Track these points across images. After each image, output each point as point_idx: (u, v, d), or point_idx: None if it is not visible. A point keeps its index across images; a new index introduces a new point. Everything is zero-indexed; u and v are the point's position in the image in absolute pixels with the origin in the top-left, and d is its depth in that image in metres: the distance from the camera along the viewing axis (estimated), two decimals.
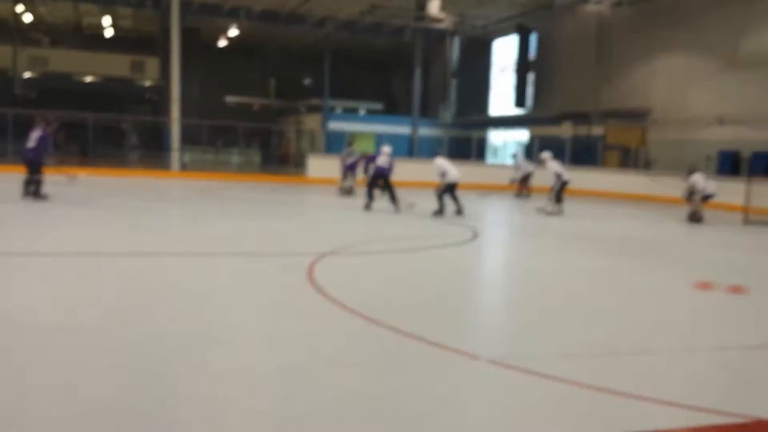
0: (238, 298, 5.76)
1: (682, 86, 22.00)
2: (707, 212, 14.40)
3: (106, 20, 34.00)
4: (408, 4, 25.02)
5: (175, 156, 22.56)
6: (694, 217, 13.97)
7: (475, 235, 10.50)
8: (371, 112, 37.89)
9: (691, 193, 14.05)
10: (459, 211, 12.93)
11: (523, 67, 29.59)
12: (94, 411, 3.16)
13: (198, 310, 5.22)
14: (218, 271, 6.93)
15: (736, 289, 6.86)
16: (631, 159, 23.39)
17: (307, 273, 6.64)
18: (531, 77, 29.56)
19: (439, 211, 12.77)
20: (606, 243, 10.84)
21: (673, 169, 19.45)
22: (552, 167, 14.48)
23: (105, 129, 24.08)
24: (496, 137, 32.98)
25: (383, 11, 28.16)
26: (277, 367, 3.97)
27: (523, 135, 30.14)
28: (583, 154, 24.27)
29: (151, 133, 28.47)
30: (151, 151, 24.55)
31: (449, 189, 12.97)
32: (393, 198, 13.49)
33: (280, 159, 31.20)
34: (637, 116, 23.51)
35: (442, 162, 13.26)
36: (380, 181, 13.66)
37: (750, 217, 13.99)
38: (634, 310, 6.03)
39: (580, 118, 25.42)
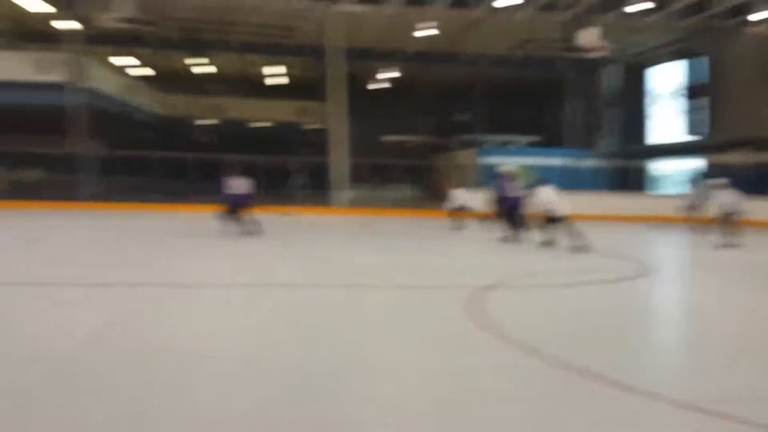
0: (397, 330, 5.87)
1: None
2: None
3: (274, 70, 36.72)
4: (558, 36, 24.70)
5: (337, 193, 23.69)
6: None
7: (640, 270, 10.00)
8: (525, 145, 37.45)
9: None
10: (548, 243, 12.61)
11: (687, 92, 27.95)
12: None
13: (357, 341, 5.39)
14: (377, 303, 7.13)
15: None
16: None
17: (466, 306, 6.67)
18: (701, 102, 27.80)
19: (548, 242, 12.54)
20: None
21: None
22: (716, 197, 13.65)
23: (272, 170, 25.79)
24: (658, 167, 31.21)
25: (534, 44, 27.99)
26: (434, 400, 3.97)
27: (693, 163, 28.31)
28: (763, 182, 22.28)
29: (315, 172, 30.16)
30: (314, 189, 25.96)
31: (553, 222, 12.58)
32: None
33: (434, 194, 31.62)
34: None
35: (545, 192, 12.76)
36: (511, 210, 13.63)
37: None
38: None
39: (762, 143, 23.44)
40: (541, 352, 4.98)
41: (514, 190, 13.69)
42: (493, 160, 32.40)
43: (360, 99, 37.17)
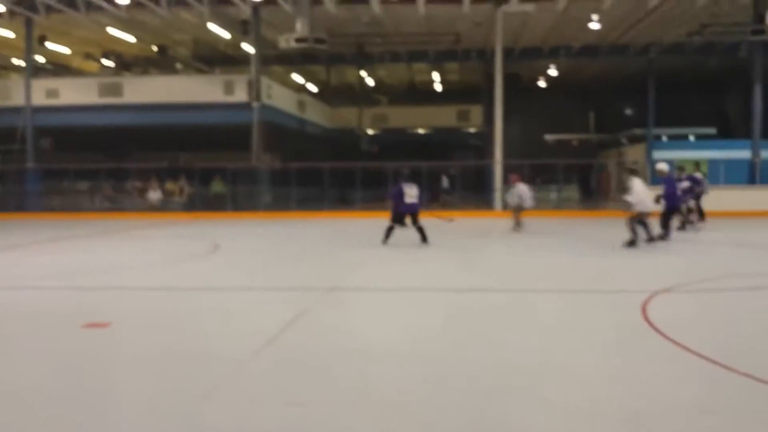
0: (572, 335, 5.87)
1: None
2: None
3: (435, 76, 37.45)
4: (742, 18, 22.69)
5: (498, 196, 23.68)
6: None
7: None
8: (702, 138, 34.85)
9: None
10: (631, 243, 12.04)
11: None
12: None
13: (532, 345, 5.48)
14: (547, 308, 7.17)
15: None
16: None
17: (642, 311, 6.54)
18: None
19: (632, 242, 11.97)
20: None
21: None
22: None
23: (434, 175, 26.34)
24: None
25: (715, 29, 26.00)
26: (618, 408, 3.99)
27: None
28: None
29: (475, 175, 30.35)
30: (476, 193, 26.12)
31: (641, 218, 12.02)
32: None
33: (600, 194, 30.47)
34: None
35: (637, 186, 12.14)
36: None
37: None
38: None
39: None
40: (722, 360, 4.82)
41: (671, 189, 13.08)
42: (666, 154, 30.61)
43: (524, 99, 36.82)
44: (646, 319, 6.25)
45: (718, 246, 12.78)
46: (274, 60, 29.35)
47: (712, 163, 25.83)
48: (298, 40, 20.71)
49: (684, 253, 11.86)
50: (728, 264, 10.54)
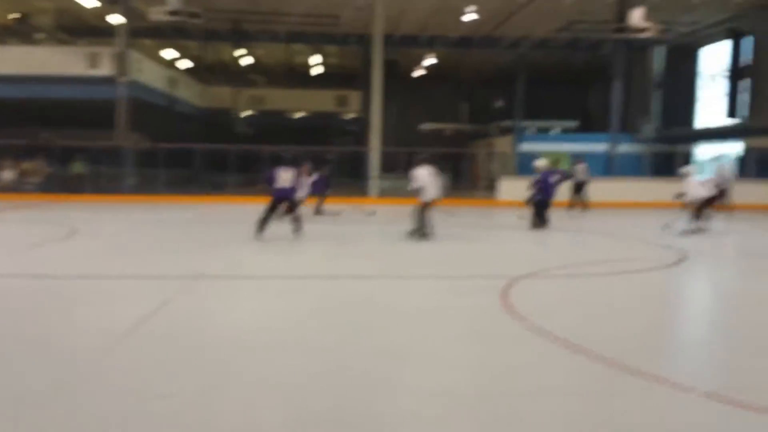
0: (435, 321, 6.01)
1: None
2: None
3: (315, 59, 37.00)
4: (607, 16, 24.16)
5: (374, 183, 23.82)
6: None
7: (680, 258, 9.89)
8: (565, 131, 36.97)
9: None
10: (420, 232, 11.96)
11: (735, 73, 27.11)
12: (314, 419, 3.60)
13: (398, 331, 5.56)
14: (415, 294, 7.29)
15: None
16: None
17: (502, 296, 6.75)
18: (745, 84, 26.98)
19: (417, 231, 11.91)
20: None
21: None
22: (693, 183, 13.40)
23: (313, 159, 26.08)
24: (704, 151, 30.46)
25: (581, 26, 27.51)
26: (477, 390, 4.12)
27: (736, 147, 27.59)
28: None
29: (352, 162, 30.37)
30: (352, 179, 26.10)
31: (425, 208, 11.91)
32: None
33: (471, 182, 31.54)
34: None
35: (420, 174, 11.81)
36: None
37: None
38: None
39: None
40: (575, 344, 5.07)
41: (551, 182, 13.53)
42: (532, 146, 32.18)
43: (401, 87, 37.27)
44: (507, 303, 6.48)
45: (583, 234, 13.51)
46: (144, 33, 27.72)
47: (578, 155, 27.42)
48: (170, 13, 19.67)
49: (552, 241, 12.45)
50: (587, 251, 11.15)
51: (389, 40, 28.45)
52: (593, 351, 4.87)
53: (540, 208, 13.68)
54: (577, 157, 20.14)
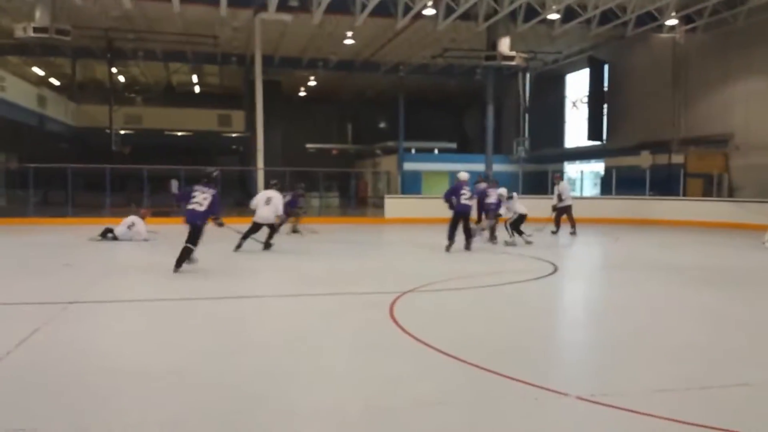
0: (322, 337, 5.96)
1: (763, 109, 21.41)
2: None
3: (195, 78, 36.31)
4: (479, 45, 25.56)
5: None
6: None
7: (555, 269, 10.62)
8: (445, 152, 38.46)
9: None
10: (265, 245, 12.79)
11: (596, 99, 29.48)
12: None
13: (284, 349, 5.51)
14: (301, 311, 7.28)
15: None
16: (714, 186, 22.77)
17: (390, 311, 6.91)
18: (605, 109, 29.42)
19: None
20: (693, 273, 10.74)
21: (761, 195, 18.88)
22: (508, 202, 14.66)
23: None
24: (572, 170, 32.81)
25: (454, 53, 28.85)
26: (365, 407, 4.12)
27: (599, 167, 29.96)
28: (663, 184, 23.86)
29: (239, 181, 30.03)
30: (238, 198, 25.75)
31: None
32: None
33: (358, 201, 32.05)
34: (718, 142, 22.95)
35: (258, 197, 12.97)
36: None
37: None
38: (727, 342, 6.01)
39: (658, 147, 25.05)
40: (459, 354, 5.19)
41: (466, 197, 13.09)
42: (414, 166, 33.27)
43: (285, 107, 37.36)
44: (394, 317, 6.62)
45: (459, 251, 14.09)
46: (10, 50, 26.16)
47: (453, 174, 28.60)
48: (37, 30, 18.73)
49: (435, 256, 12.88)
50: (469, 266, 11.65)
51: (270, 61, 28.55)
52: (476, 361, 5.01)
53: (453, 222, 13.13)
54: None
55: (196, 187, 9.97)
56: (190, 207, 9.74)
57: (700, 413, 3.99)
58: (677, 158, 24.44)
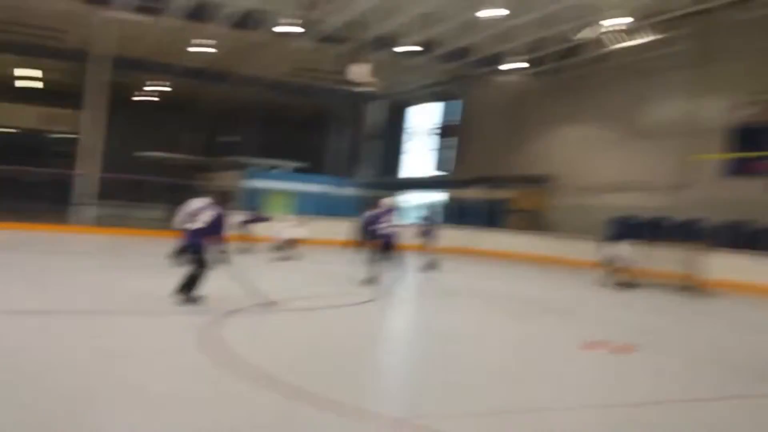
0: (132, 359, 5.68)
1: (583, 153, 23.47)
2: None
3: (29, 72, 33.27)
4: (336, 67, 25.84)
5: (85, 210, 21.98)
6: (627, 284, 14.18)
7: (377, 295, 10.67)
8: (294, 171, 38.24)
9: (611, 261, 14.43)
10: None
11: (444, 131, 30.85)
12: None
13: (86, 371, 5.16)
14: (116, 331, 6.84)
15: (626, 348, 7.31)
16: (535, 222, 24.40)
17: (207, 333, 6.66)
18: (452, 142, 30.83)
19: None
20: (507, 303, 11.35)
21: (575, 232, 20.55)
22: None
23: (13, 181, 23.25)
24: (413, 198, 33.84)
25: (310, 74, 28.93)
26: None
27: (441, 196, 31.22)
28: (493, 217, 25.26)
29: (63, 186, 27.71)
30: (62, 205, 23.76)
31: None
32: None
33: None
34: (542, 182, 24.82)
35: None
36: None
37: (643, 279, 14.78)
38: (531, 369, 6.39)
39: (492, 182, 26.58)
40: (273, 380, 5.10)
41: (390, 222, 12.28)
42: (258, 183, 32.68)
43: (128, 111, 35.28)
44: (207, 340, 6.39)
45: (295, 270, 13.91)
46: None
47: (301, 194, 28.53)
48: None
49: (259, 277, 12.56)
50: (293, 288, 11.45)
51: (114, 61, 26.93)
52: (290, 383, 5.00)
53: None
54: None
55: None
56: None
57: None
58: (506, 194, 26.01)
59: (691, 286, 14.01)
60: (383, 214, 12.22)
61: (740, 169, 18.17)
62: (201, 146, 41.47)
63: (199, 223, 8.37)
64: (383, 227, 11.98)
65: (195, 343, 6.29)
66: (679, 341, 8.66)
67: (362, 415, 4.47)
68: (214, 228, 8.36)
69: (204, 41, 24.87)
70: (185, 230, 9.08)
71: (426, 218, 18.00)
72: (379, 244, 11.89)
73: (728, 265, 15.44)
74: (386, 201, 12.80)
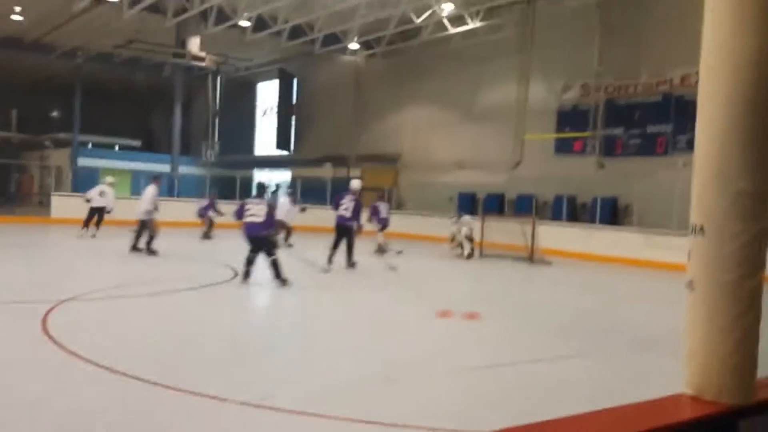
0: None
1: (427, 134, 24.33)
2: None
3: None
4: (168, 41, 24.40)
5: None
6: (471, 255, 15.19)
7: (234, 275, 10.45)
8: (127, 149, 35.96)
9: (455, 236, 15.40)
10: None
11: (284, 110, 30.40)
12: None
13: None
14: None
15: (472, 316, 7.72)
16: (384, 199, 24.98)
17: (42, 322, 6.14)
18: (293, 120, 30.49)
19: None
20: (355, 278, 11.51)
21: (421, 208, 21.32)
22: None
23: None
24: (261, 177, 33.26)
25: (140, 46, 27.13)
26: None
27: (287, 175, 30.87)
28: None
29: None
30: None
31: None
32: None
33: (21, 199, 28.16)
34: (390, 160, 25.43)
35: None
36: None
37: (485, 251, 15.77)
38: (383, 340, 6.53)
39: (339, 160, 26.75)
40: (115, 366, 4.81)
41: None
42: (91, 162, 30.45)
43: None
44: (45, 329, 5.92)
45: (136, 255, 13.13)
46: None
47: (136, 173, 26.93)
48: None
49: (109, 263, 11.81)
50: (142, 272, 10.92)
51: None
52: (135, 372, 4.70)
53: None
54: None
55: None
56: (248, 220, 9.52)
57: (354, 408, 4.20)
58: (355, 172, 26.36)
59: (528, 256, 15.14)
60: (345, 198, 12.05)
61: (566, 148, 19.76)
62: (18, 122, 37.68)
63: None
64: (340, 211, 11.88)
65: (26, 332, 5.83)
66: (517, 307, 9.27)
67: (207, 400, 4.26)
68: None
69: (15, 8, 22.47)
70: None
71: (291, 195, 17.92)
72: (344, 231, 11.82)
73: (558, 236, 16.98)
74: (354, 185, 12.57)
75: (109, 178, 16.38)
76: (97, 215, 15.44)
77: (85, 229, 15.28)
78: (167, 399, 4.28)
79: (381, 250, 14.95)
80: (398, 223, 22.22)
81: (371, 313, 8.20)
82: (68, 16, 23.36)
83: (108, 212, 15.58)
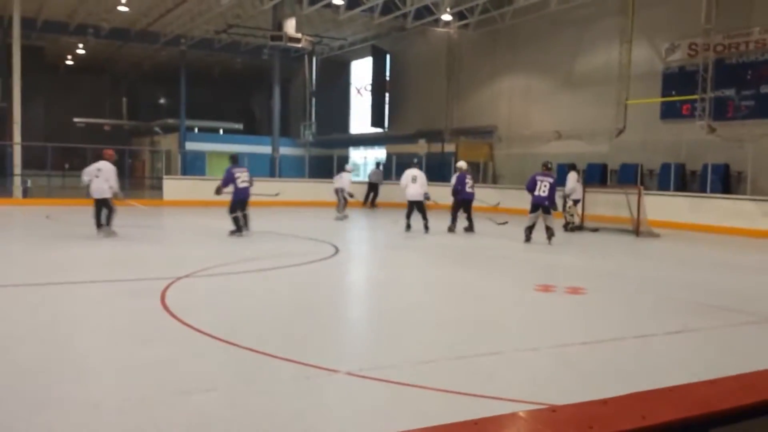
0: (86, 327, 5.60)
1: (524, 104, 23.73)
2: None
3: None
4: (265, 24, 25.06)
5: (17, 181, 21.01)
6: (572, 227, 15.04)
7: (335, 251, 10.72)
8: (230, 132, 37.37)
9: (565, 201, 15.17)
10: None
11: (378, 87, 30.53)
12: None
13: (45, 341, 5.01)
14: (66, 300, 6.67)
15: (575, 290, 7.55)
16: (480, 174, 24.73)
17: (161, 297, 6.53)
18: (386, 97, 30.59)
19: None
20: (456, 254, 11.55)
21: (518, 182, 20.91)
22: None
23: None
24: (357, 155, 33.74)
25: (239, 30, 28.01)
26: (124, 398, 3.83)
27: (381, 153, 31.13)
28: (438, 170, 25.40)
29: None
30: None
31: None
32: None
33: (134, 183, 29.96)
34: (485, 133, 25.03)
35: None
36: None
37: (586, 224, 15.34)
38: (481, 315, 6.50)
39: (433, 135, 26.63)
40: (231, 338, 5.02)
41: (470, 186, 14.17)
42: (198, 146, 31.92)
43: (49, 76, 33.58)
44: (163, 303, 6.26)
45: (250, 233, 13.71)
46: None
47: (239, 156, 27.89)
48: None
49: (217, 242, 12.34)
50: (248, 249, 11.36)
51: (32, 24, 25.49)
52: (249, 344, 4.88)
53: (453, 209, 14.28)
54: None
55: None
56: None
57: (456, 381, 4.20)
58: (449, 147, 26.18)
59: (634, 229, 14.57)
60: (464, 176, 14.14)
61: (672, 113, 18.75)
62: (128, 110, 40.01)
63: None
64: (467, 189, 14.09)
65: (148, 307, 6.15)
66: (623, 281, 8.96)
67: (317, 370, 4.36)
68: None
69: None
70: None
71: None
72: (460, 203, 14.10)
73: (666, 206, 16.23)
74: (461, 165, 14.60)
75: (348, 166, 19.56)
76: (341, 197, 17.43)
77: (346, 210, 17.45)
78: (278, 368, 4.43)
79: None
80: (495, 196, 22.01)
81: (471, 286, 8.19)
82: (171, 4, 24.44)
83: (350, 195, 17.69)
